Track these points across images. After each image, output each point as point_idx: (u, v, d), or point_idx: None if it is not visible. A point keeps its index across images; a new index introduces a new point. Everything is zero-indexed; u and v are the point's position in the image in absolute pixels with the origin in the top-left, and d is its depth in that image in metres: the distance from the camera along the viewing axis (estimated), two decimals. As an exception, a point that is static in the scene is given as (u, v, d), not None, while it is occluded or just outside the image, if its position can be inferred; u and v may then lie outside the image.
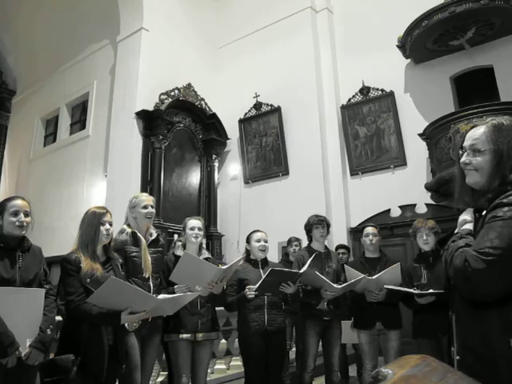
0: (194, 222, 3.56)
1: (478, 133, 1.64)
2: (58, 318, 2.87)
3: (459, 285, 1.56)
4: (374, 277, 3.73)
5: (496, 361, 1.41)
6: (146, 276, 3.18)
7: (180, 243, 3.59)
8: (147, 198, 3.39)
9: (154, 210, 3.36)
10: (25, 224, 2.61)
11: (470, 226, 1.66)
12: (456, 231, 1.69)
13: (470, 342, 1.53)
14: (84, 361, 2.53)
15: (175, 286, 3.25)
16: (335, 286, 3.77)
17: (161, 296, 2.83)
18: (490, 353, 1.42)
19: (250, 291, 3.50)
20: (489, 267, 1.42)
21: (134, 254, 3.17)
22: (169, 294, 3.08)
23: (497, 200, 1.51)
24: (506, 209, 1.46)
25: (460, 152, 1.68)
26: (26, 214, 2.64)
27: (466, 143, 1.66)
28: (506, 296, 1.44)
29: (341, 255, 5.51)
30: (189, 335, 3.33)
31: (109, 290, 2.48)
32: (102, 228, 2.79)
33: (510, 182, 1.53)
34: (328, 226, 4.23)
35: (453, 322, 1.66)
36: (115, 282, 2.50)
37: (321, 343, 4.10)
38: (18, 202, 2.65)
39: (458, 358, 1.61)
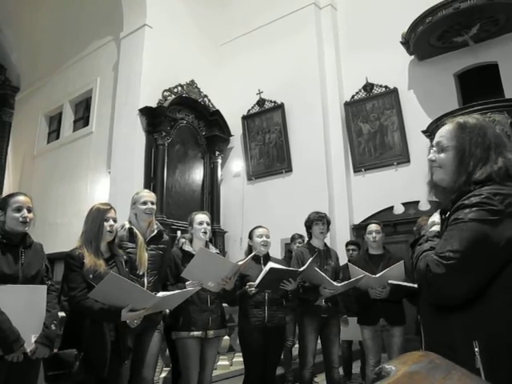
0: (202, 217, 3.54)
1: (443, 130, 1.65)
2: (62, 313, 2.88)
3: (423, 289, 1.55)
4: (377, 275, 3.73)
5: (457, 363, 1.40)
6: (141, 273, 3.16)
7: (184, 240, 3.57)
8: (148, 195, 3.38)
9: (153, 207, 3.34)
10: (28, 220, 2.62)
11: (437, 228, 1.66)
12: (423, 233, 1.70)
13: (435, 344, 1.53)
14: (86, 356, 2.55)
15: (187, 283, 3.22)
16: (335, 283, 3.77)
17: (160, 294, 2.83)
18: (453, 355, 1.35)
19: (251, 287, 3.51)
20: (449, 271, 1.42)
21: (129, 250, 3.16)
22: (179, 289, 3.06)
23: (459, 201, 1.50)
24: (467, 210, 1.45)
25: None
26: (29, 210, 2.65)
27: (434, 141, 1.66)
28: (469, 299, 1.43)
29: (351, 252, 5.51)
30: (200, 332, 3.31)
31: (108, 285, 2.50)
32: (105, 224, 2.80)
33: (473, 182, 1.51)
34: (328, 223, 4.23)
35: (421, 325, 1.67)
36: (114, 277, 2.51)
37: (320, 340, 4.11)
38: (21, 197, 2.66)
39: None
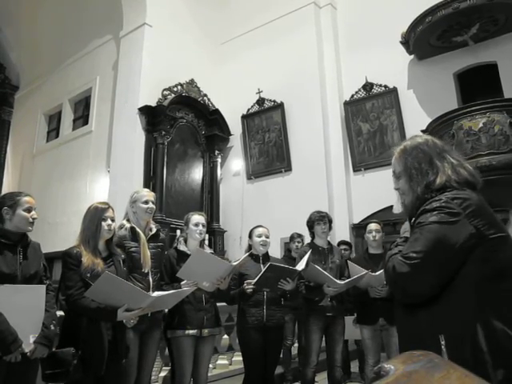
0: (198, 218, 3.55)
1: (393, 160, 1.85)
2: (60, 312, 2.88)
3: (391, 289, 1.74)
4: (377, 273, 3.74)
5: None
6: (146, 271, 3.17)
7: (182, 238, 3.59)
8: (148, 194, 3.39)
9: (154, 206, 3.36)
10: (34, 221, 2.64)
11: (408, 234, 1.78)
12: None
13: (407, 339, 1.65)
14: (84, 354, 2.56)
15: (182, 283, 3.23)
16: (338, 281, 3.78)
17: (155, 293, 2.84)
18: (423, 349, 1.44)
19: (248, 285, 3.52)
20: (412, 270, 1.54)
21: (132, 249, 3.16)
22: (174, 289, 3.08)
23: (422, 207, 1.66)
24: (429, 215, 1.60)
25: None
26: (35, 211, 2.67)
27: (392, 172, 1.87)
28: (433, 296, 1.54)
29: (343, 251, 5.52)
30: (195, 331, 3.33)
31: (104, 285, 2.51)
32: (103, 223, 2.80)
33: (433, 190, 1.67)
34: (330, 221, 4.24)
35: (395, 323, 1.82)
36: (110, 277, 2.52)
37: (324, 339, 4.12)
38: (30, 198, 2.68)
39: None
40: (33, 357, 2.45)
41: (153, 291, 3.08)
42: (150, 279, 3.19)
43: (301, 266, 3.61)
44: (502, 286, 1.50)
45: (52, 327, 2.57)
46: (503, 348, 1.42)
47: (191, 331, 3.31)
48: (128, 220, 3.31)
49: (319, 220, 4.16)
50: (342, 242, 5.84)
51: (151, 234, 3.33)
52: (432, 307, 1.55)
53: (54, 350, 2.59)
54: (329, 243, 4.26)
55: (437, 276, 1.54)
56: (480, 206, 1.60)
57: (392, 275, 1.62)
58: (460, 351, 1.44)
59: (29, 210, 2.61)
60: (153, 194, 3.45)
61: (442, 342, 1.48)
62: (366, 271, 3.71)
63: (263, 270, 3.44)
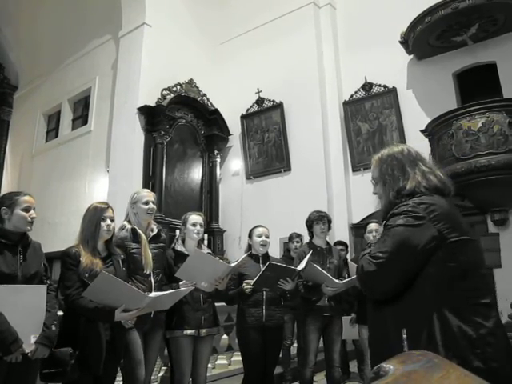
0: (196, 218, 3.55)
1: (372, 168, 2.01)
2: (60, 312, 2.88)
3: (360, 286, 1.85)
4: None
5: (392, 349, 1.57)
6: (147, 272, 3.17)
7: (180, 239, 3.59)
8: (148, 194, 3.39)
9: (154, 206, 3.36)
10: (33, 220, 2.63)
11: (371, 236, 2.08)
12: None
13: (375, 334, 1.83)
14: (82, 354, 2.56)
15: (180, 283, 3.24)
16: (337, 281, 3.78)
17: (152, 294, 2.85)
18: (387, 342, 1.68)
19: (247, 285, 3.53)
20: (378, 269, 1.69)
21: (134, 250, 3.16)
22: (172, 290, 3.08)
23: (391, 211, 1.80)
24: (396, 218, 1.74)
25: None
26: (34, 210, 2.66)
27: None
28: (398, 294, 1.68)
29: (339, 251, 5.52)
30: (193, 331, 3.34)
31: (101, 285, 2.51)
32: (102, 224, 2.80)
33: (404, 195, 1.82)
34: (329, 221, 4.24)
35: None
36: (107, 277, 2.52)
37: (322, 339, 4.12)
38: (29, 197, 2.66)
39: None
40: (34, 357, 2.44)
41: (155, 292, 3.08)
42: (152, 280, 3.20)
43: (301, 265, 3.61)
44: (461, 286, 1.62)
45: (53, 327, 2.56)
46: (457, 341, 1.55)
47: (189, 331, 3.32)
48: (129, 221, 3.31)
49: (318, 220, 4.16)
50: (338, 243, 5.84)
51: (152, 234, 3.33)
52: (396, 304, 1.68)
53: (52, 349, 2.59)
54: (327, 243, 4.26)
55: (400, 275, 1.68)
56: (445, 210, 1.72)
57: (360, 273, 1.77)
58: (418, 343, 1.56)
59: (27, 210, 2.60)
60: (153, 194, 3.45)
61: (404, 336, 1.61)
62: None
63: (263, 269, 3.44)
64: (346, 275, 4.13)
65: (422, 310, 1.62)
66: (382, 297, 1.74)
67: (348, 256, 5.86)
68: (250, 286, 3.53)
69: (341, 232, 7.69)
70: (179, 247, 3.50)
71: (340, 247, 5.63)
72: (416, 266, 1.66)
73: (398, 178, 1.85)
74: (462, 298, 1.61)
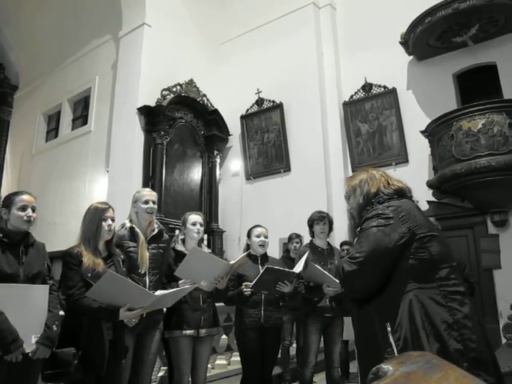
0: (196, 218, 3.55)
1: (345, 188, 2.30)
2: (62, 312, 2.88)
3: (342, 286, 2.08)
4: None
5: (379, 346, 1.77)
6: (142, 272, 3.16)
7: (180, 238, 3.59)
8: (149, 193, 3.39)
9: (155, 206, 3.36)
10: (32, 219, 2.62)
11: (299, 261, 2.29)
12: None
13: (361, 331, 1.98)
14: (84, 355, 2.55)
15: (180, 282, 3.22)
16: (338, 281, 3.76)
17: (158, 292, 2.84)
18: (374, 337, 1.81)
19: (247, 288, 3.52)
20: (357, 267, 1.85)
21: (130, 249, 3.16)
22: (171, 288, 3.08)
23: (363, 217, 2.02)
24: (369, 221, 1.94)
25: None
26: (33, 209, 2.66)
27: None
28: (378, 290, 1.84)
29: (346, 251, 5.53)
30: (192, 331, 3.33)
31: (107, 284, 2.50)
32: (103, 224, 2.80)
33: (370, 201, 2.06)
34: (331, 223, 4.23)
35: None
36: (113, 276, 2.51)
37: (322, 339, 4.11)
38: (26, 196, 2.66)
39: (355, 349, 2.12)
40: (35, 357, 2.45)
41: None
42: (147, 280, 3.18)
43: (298, 268, 3.60)
44: (435, 276, 1.79)
45: (54, 328, 2.56)
46: (436, 326, 1.68)
47: (188, 331, 3.32)
48: (130, 220, 3.31)
49: (319, 220, 4.15)
50: (344, 243, 5.85)
51: (153, 234, 3.33)
52: (379, 300, 1.83)
53: (53, 350, 2.59)
54: (328, 244, 4.25)
55: (378, 271, 1.84)
56: (411, 211, 1.93)
57: (341, 275, 1.93)
58: (401, 333, 1.71)
59: (23, 209, 2.60)
60: (154, 194, 3.45)
61: (388, 329, 1.74)
62: None
63: (260, 272, 3.43)
64: None
65: (401, 301, 1.76)
66: (363, 295, 1.89)
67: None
68: (249, 289, 3.52)
69: (340, 233, 7.68)
70: (179, 247, 3.50)
71: (346, 247, 5.63)
72: (391, 261, 1.83)
73: (365, 185, 2.12)
74: (437, 287, 1.77)
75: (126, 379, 3.06)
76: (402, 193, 2.09)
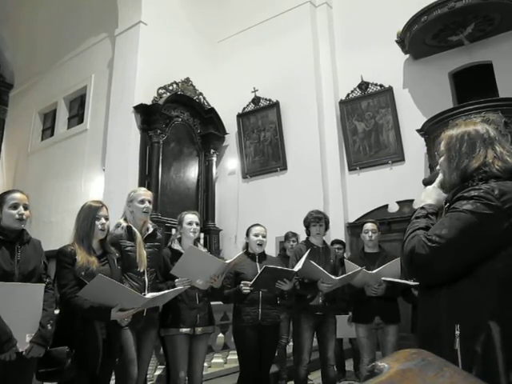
0: (192, 217, 3.55)
1: (442, 136, 1.80)
2: (57, 311, 2.88)
3: (404, 264, 1.62)
4: (373, 271, 3.74)
5: (442, 347, 1.45)
6: (141, 270, 3.17)
7: (176, 238, 3.59)
8: (145, 193, 3.39)
9: (150, 206, 3.36)
10: (24, 217, 2.61)
11: (430, 201, 1.75)
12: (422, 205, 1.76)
13: (425, 326, 1.62)
14: (78, 353, 2.55)
15: (176, 280, 3.23)
16: (332, 277, 3.76)
17: (149, 295, 2.86)
18: (438, 337, 1.49)
19: (245, 287, 3.52)
20: (431, 253, 1.48)
21: (128, 248, 3.16)
22: (168, 288, 3.10)
23: (459, 194, 1.57)
24: (464, 202, 1.51)
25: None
26: (25, 207, 2.64)
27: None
28: (456, 285, 1.49)
29: (336, 250, 5.53)
30: (188, 329, 3.33)
31: (97, 286, 2.50)
32: (97, 222, 2.80)
33: (469, 177, 1.59)
34: (327, 223, 4.23)
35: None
36: (103, 279, 2.50)
37: (316, 337, 4.12)
38: (17, 194, 2.64)
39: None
40: (28, 356, 2.44)
41: (148, 291, 3.09)
42: (146, 279, 3.19)
43: (298, 266, 3.61)
44: None
45: (49, 327, 2.55)
46: None
47: (184, 329, 3.32)
48: (125, 219, 3.31)
49: (315, 222, 4.15)
50: (335, 241, 5.85)
51: (148, 233, 3.34)
52: (452, 291, 1.50)
53: (48, 348, 2.58)
54: (324, 242, 4.26)
55: (455, 263, 1.49)
56: None
57: (408, 254, 1.55)
58: (472, 343, 1.40)
59: (15, 207, 2.58)
60: (150, 193, 3.45)
61: (457, 332, 1.44)
62: (361, 268, 3.71)
63: (259, 272, 3.44)
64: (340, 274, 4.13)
65: (480, 306, 1.44)
66: (430, 281, 1.57)
67: (345, 255, 5.89)
68: (248, 288, 3.53)
69: (337, 231, 7.70)
70: (176, 246, 3.50)
71: (337, 246, 5.64)
72: (475, 258, 1.47)
73: (465, 155, 1.63)
74: None
75: (145, 372, 3.13)
76: None
